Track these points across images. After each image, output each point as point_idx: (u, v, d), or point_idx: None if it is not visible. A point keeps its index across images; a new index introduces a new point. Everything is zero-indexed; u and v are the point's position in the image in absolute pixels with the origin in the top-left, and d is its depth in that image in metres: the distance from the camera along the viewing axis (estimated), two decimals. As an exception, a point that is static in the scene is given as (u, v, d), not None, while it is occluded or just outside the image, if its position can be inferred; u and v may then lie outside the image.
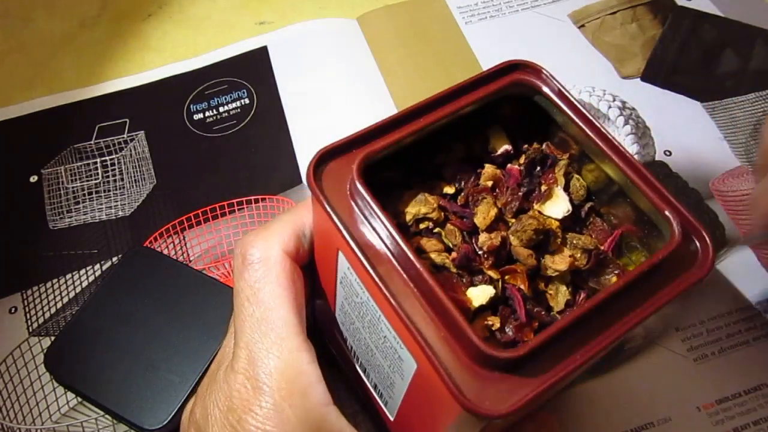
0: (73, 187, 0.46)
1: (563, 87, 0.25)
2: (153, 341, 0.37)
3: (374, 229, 0.22)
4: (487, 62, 0.51)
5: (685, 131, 0.47)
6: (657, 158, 0.46)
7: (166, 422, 0.34)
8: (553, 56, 0.52)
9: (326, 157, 0.23)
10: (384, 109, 0.49)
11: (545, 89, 0.25)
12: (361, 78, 0.51)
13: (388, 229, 0.21)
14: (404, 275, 0.21)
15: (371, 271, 0.21)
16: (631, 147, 0.45)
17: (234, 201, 0.45)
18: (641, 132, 0.47)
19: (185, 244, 0.43)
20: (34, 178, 0.46)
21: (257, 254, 0.26)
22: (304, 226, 0.27)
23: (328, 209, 0.22)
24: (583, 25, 0.54)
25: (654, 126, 0.47)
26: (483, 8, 0.55)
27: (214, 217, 0.44)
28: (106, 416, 0.37)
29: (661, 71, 0.51)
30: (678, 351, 0.38)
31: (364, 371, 0.28)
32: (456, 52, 0.52)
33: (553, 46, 0.53)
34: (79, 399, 0.37)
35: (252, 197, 0.45)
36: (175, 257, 0.42)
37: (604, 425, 0.36)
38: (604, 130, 0.24)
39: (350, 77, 0.51)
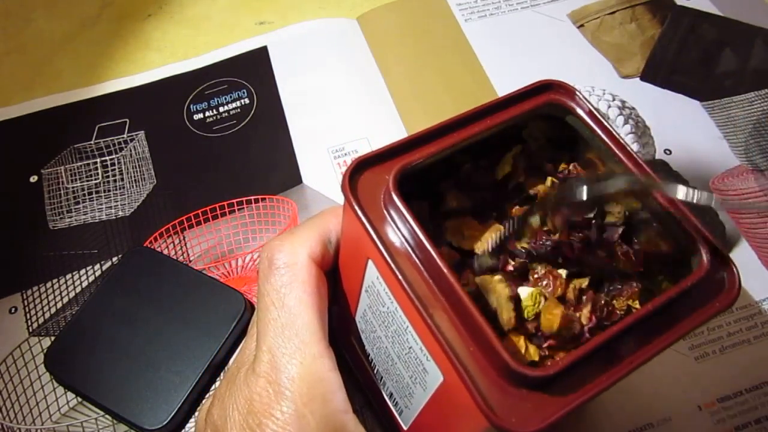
0: (73, 187, 0.46)
1: (595, 108, 0.25)
2: (153, 341, 0.37)
3: (407, 240, 0.22)
4: (487, 60, 0.51)
5: (685, 130, 0.47)
6: (657, 157, 0.46)
7: (166, 422, 0.34)
8: (552, 55, 0.52)
9: (361, 166, 0.23)
10: (384, 108, 0.49)
11: (578, 110, 0.25)
12: (361, 77, 0.51)
13: (421, 241, 0.21)
14: (435, 288, 0.21)
15: (403, 281, 0.21)
16: (630, 146, 0.45)
17: (234, 201, 0.45)
18: (641, 131, 0.47)
19: (185, 244, 0.43)
20: (34, 178, 0.46)
21: (284, 259, 0.26)
22: (330, 232, 0.27)
23: (362, 218, 0.22)
24: (582, 25, 0.54)
25: (653, 125, 0.47)
26: (482, 6, 0.55)
27: (214, 217, 0.44)
28: (106, 416, 0.36)
29: (660, 71, 0.51)
30: (679, 350, 0.38)
31: (380, 379, 0.28)
32: (455, 50, 0.52)
33: (552, 46, 0.53)
34: (79, 399, 0.37)
35: (252, 197, 0.45)
36: (175, 257, 0.42)
37: (604, 425, 0.35)
38: (635, 155, 0.24)
39: (350, 77, 0.51)
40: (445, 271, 0.20)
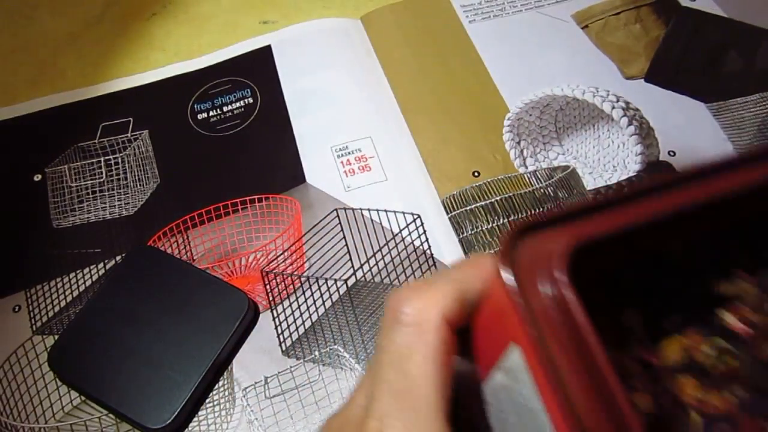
0: (76, 186, 0.46)
1: None
2: (156, 340, 0.37)
3: (575, 347, 0.17)
4: (491, 61, 0.51)
5: (690, 132, 0.47)
6: (661, 158, 0.46)
7: (169, 421, 0.34)
8: (556, 57, 0.52)
9: (526, 230, 0.18)
10: (387, 108, 0.49)
11: None
12: (365, 77, 0.51)
13: (599, 372, 0.16)
14: (601, 407, 0.16)
15: (564, 403, 0.16)
16: (635, 148, 0.45)
17: (237, 200, 0.45)
18: (645, 132, 0.47)
19: (189, 243, 0.43)
20: (37, 177, 0.47)
21: (412, 315, 0.22)
22: (471, 287, 0.23)
23: (522, 309, 0.17)
24: (586, 26, 0.54)
25: (658, 126, 0.47)
26: (487, 7, 0.55)
27: (218, 216, 0.44)
28: (110, 415, 0.37)
29: (665, 72, 0.51)
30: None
31: None
32: (459, 51, 0.52)
33: (556, 47, 0.52)
34: (83, 398, 0.37)
35: (255, 196, 0.45)
36: (178, 256, 0.42)
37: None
38: None
39: (353, 76, 0.51)
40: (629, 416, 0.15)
